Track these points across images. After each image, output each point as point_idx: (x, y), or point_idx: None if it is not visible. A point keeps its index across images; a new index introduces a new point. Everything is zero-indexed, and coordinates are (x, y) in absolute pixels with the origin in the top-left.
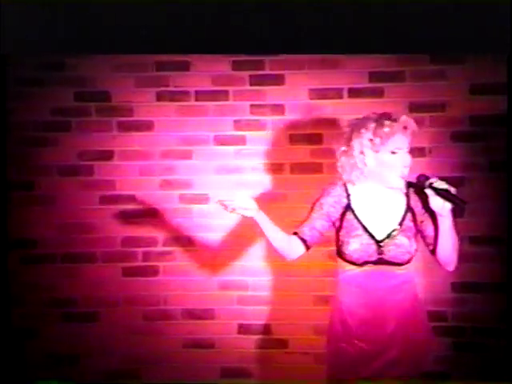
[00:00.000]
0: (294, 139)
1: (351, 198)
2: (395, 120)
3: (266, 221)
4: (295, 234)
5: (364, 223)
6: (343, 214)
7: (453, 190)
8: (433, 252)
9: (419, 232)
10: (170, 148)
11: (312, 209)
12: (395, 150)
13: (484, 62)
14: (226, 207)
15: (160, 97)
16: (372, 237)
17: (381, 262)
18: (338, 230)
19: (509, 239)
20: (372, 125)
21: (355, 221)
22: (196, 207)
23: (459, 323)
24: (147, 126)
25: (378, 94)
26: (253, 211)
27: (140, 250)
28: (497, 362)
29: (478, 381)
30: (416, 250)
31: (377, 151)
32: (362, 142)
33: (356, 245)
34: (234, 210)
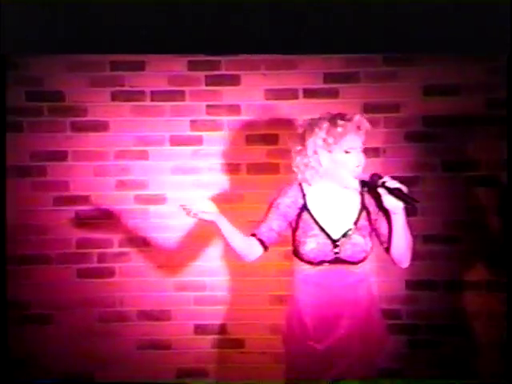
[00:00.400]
0: (250, 139)
1: (307, 198)
2: (349, 119)
3: (226, 223)
4: (253, 235)
5: (320, 223)
6: (299, 214)
7: (404, 188)
8: (387, 250)
9: (374, 230)
10: (125, 148)
11: (269, 209)
12: (349, 150)
13: (436, 62)
14: (187, 212)
15: (115, 97)
16: (328, 236)
17: (337, 261)
18: (295, 230)
19: (507, 242)
20: (325, 124)
21: (311, 221)
22: (152, 208)
23: (413, 321)
24: (102, 126)
25: (332, 94)
26: (213, 215)
27: (95, 251)
28: (450, 359)
29: (432, 378)
30: (371, 249)
31: (330, 151)
32: (316, 141)
33: (312, 244)
34: (195, 214)
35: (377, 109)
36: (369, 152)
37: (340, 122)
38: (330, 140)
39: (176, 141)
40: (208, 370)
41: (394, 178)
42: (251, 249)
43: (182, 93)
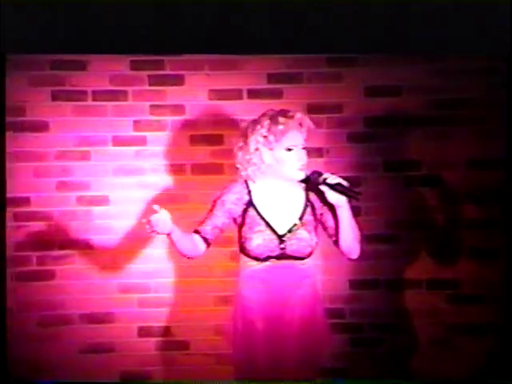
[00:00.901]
0: (194, 140)
1: (252, 194)
2: (290, 117)
3: (177, 231)
4: (197, 232)
5: (266, 219)
6: (245, 210)
7: (345, 183)
8: (336, 243)
9: (321, 224)
10: (66, 149)
11: (213, 206)
12: (290, 147)
13: (378, 63)
14: (149, 230)
15: (55, 96)
16: (274, 232)
17: (283, 256)
18: (241, 226)
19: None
20: (266, 122)
21: (257, 217)
22: (95, 209)
23: (356, 320)
24: (42, 127)
25: (276, 95)
26: (168, 228)
27: (34, 254)
28: (392, 357)
29: (374, 376)
30: (317, 244)
31: (271, 149)
32: (257, 138)
33: (259, 240)
34: (153, 231)
35: (320, 109)
36: (312, 152)
37: (281, 120)
38: (271, 138)
39: (119, 141)
40: (152, 373)
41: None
42: (196, 248)
43: (125, 93)
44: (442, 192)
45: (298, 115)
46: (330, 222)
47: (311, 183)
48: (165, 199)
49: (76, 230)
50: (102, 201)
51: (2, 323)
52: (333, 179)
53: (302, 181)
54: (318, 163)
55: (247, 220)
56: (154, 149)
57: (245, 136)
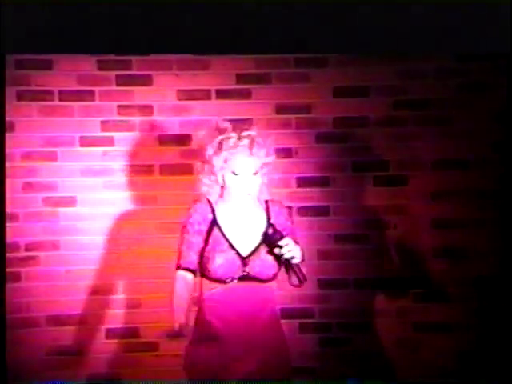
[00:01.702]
0: (162, 140)
1: (216, 213)
2: (241, 138)
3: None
4: (186, 269)
5: (229, 239)
6: (209, 230)
7: (297, 260)
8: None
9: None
10: (32, 149)
11: (184, 232)
12: (236, 172)
13: (346, 64)
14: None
15: (21, 96)
16: (237, 253)
17: (246, 278)
18: (204, 246)
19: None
20: (216, 143)
21: (221, 236)
22: (62, 210)
23: (325, 319)
24: (7, 127)
25: (245, 95)
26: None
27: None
28: (362, 357)
29: (343, 375)
30: (280, 266)
31: (221, 168)
32: (211, 158)
33: (221, 260)
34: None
35: (288, 110)
36: (281, 153)
37: (231, 142)
38: (218, 161)
39: (86, 142)
40: (120, 375)
41: (306, 178)
42: (192, 285)
43: (92, 92)
44: (410, 192)
45: (246, 141)
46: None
47: (271, 242)
48: (133, 200)
49: (42, 231)
50: (69, 202)
51: None
52: (286, 250)
53: (264, 237)
54: (287, 164)
55: (211, 239)
56: (121, 149)
57: (203, 156)
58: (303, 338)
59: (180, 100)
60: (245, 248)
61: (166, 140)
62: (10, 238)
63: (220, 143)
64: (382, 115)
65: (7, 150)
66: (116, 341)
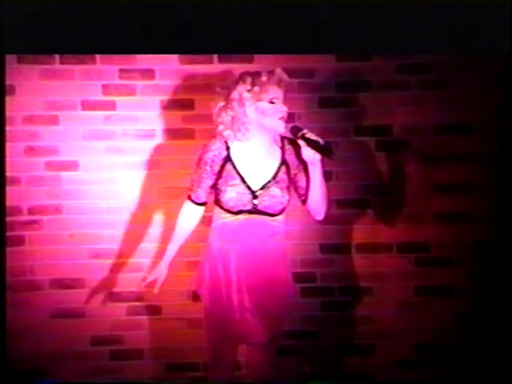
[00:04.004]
0: (165, 105)
1: (231, 150)
2: (271, 72)
3: (171, 254)
4: (195, 202)
5: (241, 174)
6: (223, 165)
7: (321, 141)
8: (304, 202)
9: (293, 184)
10: (33, 113)
11: (198, 168)
12: (273, 100)
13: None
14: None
15: (21, 59)
16: (248, 187)
17: (255, 211)
18: (217, 179)
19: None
20: (249, 78)
21: (233, 171)
22: (64, 174)
23: (327, 283)
24: (9, 91)
25: (247, 60)
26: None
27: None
28: (363, 320)
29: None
30: (288, 201)
31: (258, 100)
32: (242, 93)
33: (232, 193)
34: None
35: (291, 74)
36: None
37: (263, 73)
38: (256, 89)
39: (88, 105)
40: (123, 338)
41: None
42: (196, 219)
43: (93, 57)
44: (412, 156)
45: (278, 71)
46: (302, 182)
47: (290, 137)
48: (136, 165)
49: (45, 195)
50: (71, 166)
51: None
52: (311, 135)
53: (281, 137)
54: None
55: (224, 173)
56: (123, 113)
57: (226, 96)
58: (305, 302)
59: (182, 65)
60: (256, 183)
61: (168, 105)
62: (12, 201)
63: (254, 76)
64: (385, 79)
65: (8, 114)
66: (119, 304)
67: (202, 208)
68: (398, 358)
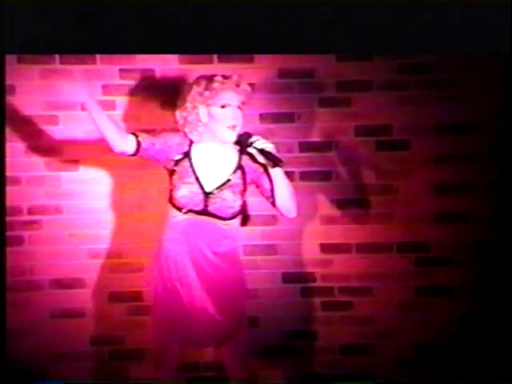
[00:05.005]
0: (165, 105)
1: (192, 147)
2: (227, 77)
3: (95, 106)
4: (133, 134)
5: (197, 173)
6: (181, 159)
7: (270, 148)
8: (273, 204)
9: (257, 188)
10: (33, 113)
11: (160, 133)
12: (225, 104)
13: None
14: None
15: (21, 59)
16: (201, 187)
17: (205, 212)
18: (172, 173)
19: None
20: (203, 81)
21: (190, 168)
22: (64, 174)
23: (327, 283)
24: (9, 91)
25: (247, 59)
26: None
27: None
28: (363, 319)
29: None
30: (240, 206)
31: (208, 105)
32: (194, 96)
33: (185, 191)
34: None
35: (291, 74)
36: (283, 117)
37: (217, 79)
38: (207, 93)
39: None
40: (123, 338)
41: (308, 143)
42: (124, 141)
43: (93, 56)
44: (412, 156)
45: (235, 77)
46: (266, 185)
47: (240, 145)
48: (135, 164)
49: (45, 194)
50: (71, 166)
51: None
52: (260, 144)
53: (235, 143)
54: (289, 128)
55: (179, 169)
56: (123, 113)
57: (184, 97)
58: (305, 302)
59: (182, 64)
60: (210, 184)
61: (168, 104)
62: (12, 201)
63: (208, 80)
64: (384, 79)
65: (8, 114)
66: (119, 304)
67: (133, 143)
68: (397, 357)
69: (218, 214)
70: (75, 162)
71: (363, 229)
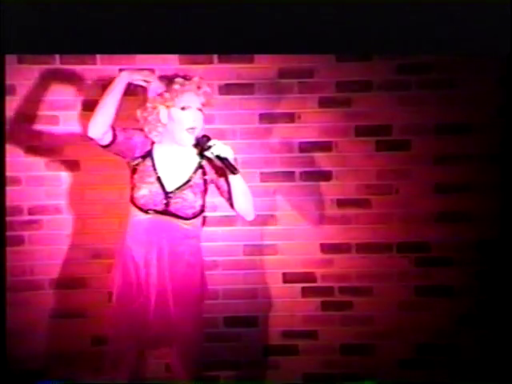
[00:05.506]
0: None
1: (154, 146)
2: (188, 79)
3: (119, 94)
4: (112, 127)
5: (158, 173)
6: (143, 159)
7: (229, 154)
8: (231, 206)
9: (216, 189)
10: (34, 113)
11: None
12: (185, 106)
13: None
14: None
15: (21, 59)
16: (162, 187)
17: (166, 212)
18: (133, 172)
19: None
20: (164, 82)
21: (151, 168)
22: (64, 174)
23: (328, 283)
24: (9, 91)
25: (248, 60)
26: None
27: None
28: (362, 319)
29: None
30: (201, 206)
31: (167, 107)
32: (155, 97)
33: (145, 191)
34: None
35: (291, 74)
36: (283, 117)
37: (178, 80)
38: (167, 95)
39: (88, 106)
40: None
41: (308, 143)
42: (104, 131)
43: (93, 56)
44: (412, 156)
45: (196, 78)
46: (224, 187)
47: (198, 148)
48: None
49: (45, 195)
50: (71, 166)
51: None
52: (216, 149)
53: (193, 145)
54: (289, 128)
55: (141, 168)
56: (123, 113)
57: (145, 96)
58: (305, 302)
59: (182, 64)
60: (171, 184)
61: None
62: (12, 201)
63: (169, 81)
64: (385, 79)
65: (8, 114)
66: None
67: (109, 134)
68: (397, 357)
69: (179, 213)
70: (75, 162)
71: (363, 229)
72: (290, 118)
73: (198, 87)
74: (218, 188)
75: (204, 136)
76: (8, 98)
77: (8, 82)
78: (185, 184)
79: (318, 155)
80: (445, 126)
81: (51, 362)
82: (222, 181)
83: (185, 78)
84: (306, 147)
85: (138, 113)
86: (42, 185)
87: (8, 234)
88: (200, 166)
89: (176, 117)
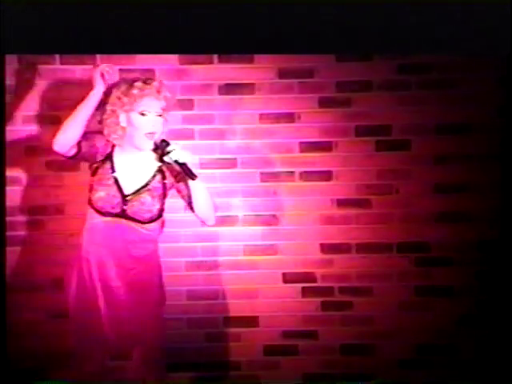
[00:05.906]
0: None
1: (114, 149)
2: (147, 83)
3: (92, 105)
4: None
5: (116, 175)
6: (103, 162)
7: (185, 160)
8: (192, 210)
9: (177, 193)
10: (33, 113)
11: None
12: (144, 112)
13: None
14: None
15: (22, 59)
16: (120, 190)
17: (123, 215)
18: (93, 174)
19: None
20: (124, 85)
21: (110, 171)
22: (64, 174)
23: (328, 283)
24: (9, 91)
25: (247, 60)
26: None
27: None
28: (362, 319)
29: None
30: (159, 210)
31: (126, 111)
32: (113, 100)
33: (102, 194)
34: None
35: (291, 74)
36: (283, 117)
37: (138, 84)
38: (125, 100)
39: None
40: None
41: (308, 143)
42: (70, 146)
43: (93, 56)
44: (412, 156)
45: (156, 83)
46: (185, 191)
47: (158, 152)
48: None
49: (45, 195)
50: (72, 166)
51: None
52: (175, 155)
53: (152, 150)
54: (289, 128)
55: (100, 170)
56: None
57: (106, 99)
58: (305, 302)
59: (182, 64)
60: (129, 187)
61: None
62: (12, 201)
63: (129, 85)
64: (385, 79)
65: (8, 114)
66: None
67: (74, 147)
68: (397, 357)
69: (136, 217)
70: (75, 162)
71: (363, 229)
72: (290, 118)
73: (158, 91)
74: (179, 192)
75: (163, 141)
76: (8, 98)
77: (8, 82)
78: (143, 187)
79: (318, 155)
80: (445, 125)
81: (51, 362)
82: (182, 185)
83: (145, 82)
84: (305, 147)
85: (98, 115)
86: (42, 185)
87: (8, 234)
88: (159, 171)
89: (135, 121)
